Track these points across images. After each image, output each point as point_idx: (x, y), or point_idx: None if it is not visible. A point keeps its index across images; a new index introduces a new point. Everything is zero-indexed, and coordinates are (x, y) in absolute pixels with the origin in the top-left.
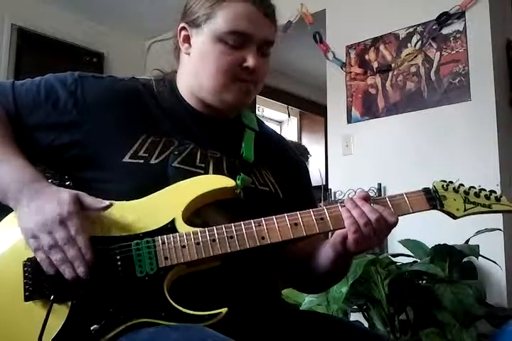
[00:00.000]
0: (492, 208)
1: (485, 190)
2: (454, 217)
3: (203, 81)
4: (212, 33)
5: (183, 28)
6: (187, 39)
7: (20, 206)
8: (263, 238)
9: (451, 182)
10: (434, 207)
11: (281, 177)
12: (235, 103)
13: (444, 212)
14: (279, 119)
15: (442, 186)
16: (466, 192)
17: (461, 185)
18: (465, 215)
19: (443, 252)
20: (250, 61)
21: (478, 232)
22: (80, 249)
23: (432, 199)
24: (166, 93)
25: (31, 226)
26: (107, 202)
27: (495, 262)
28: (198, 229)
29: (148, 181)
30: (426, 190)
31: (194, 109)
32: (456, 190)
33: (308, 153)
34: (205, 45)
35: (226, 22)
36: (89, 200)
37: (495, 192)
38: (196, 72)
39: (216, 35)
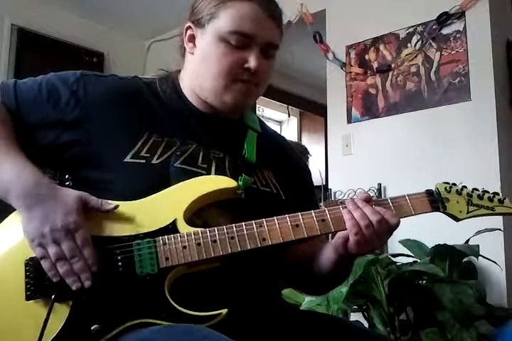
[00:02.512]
0: (495, 210)
1: (488, 192)
2: (457, 220)
3: (205, 81)
4: (215, 33)
5: (189, 28)
6: (192, 38)
7: (23, 208)
8: (264, 239)
9: (454, 184)
10: (436, 210)
11: (283, 178)
12: (235, 104)
13: (446, 214)
14: (279, 119)
15: (445, 188)
16: (469, 195)
17: (464, 187)
18: (468, 217)
19: (443, 252)
20: (252, 62)
21: (478, 232)
22: (86, 262)
23: (435, 201)
24: (169, 92)
25: (37, 235)
26: (113, 204)
27: (495, 262)
28: (199, 230)
29: (149, 181)
30: (428, 192)
31: (197, 108)
32: (459, 192)
33: (308, 153)
34: (208, 44)
35: (229, 22)
36: (95, 202)
37: (498, 194)
38: (198, 72)
39: (219, 35)
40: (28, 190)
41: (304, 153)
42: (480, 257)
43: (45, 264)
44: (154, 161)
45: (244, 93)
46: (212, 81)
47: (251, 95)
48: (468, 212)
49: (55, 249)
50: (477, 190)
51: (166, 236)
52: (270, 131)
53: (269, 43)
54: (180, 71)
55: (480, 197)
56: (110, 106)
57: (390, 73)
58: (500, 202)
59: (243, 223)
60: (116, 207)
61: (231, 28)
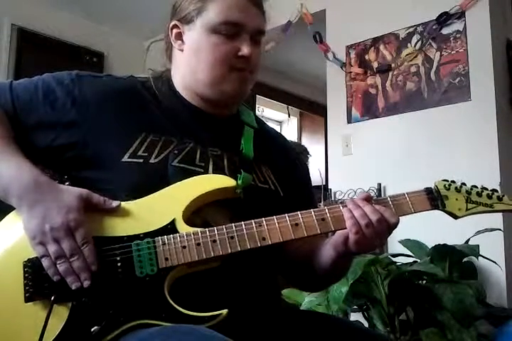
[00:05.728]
0: (494, 207)
1: (487, 189)
2: (456, 217)
3: (200, 74)
4: (205, 26)
5: (175, 26)
6: (179, 36)
7: (24, 206)
8: (264, 239)
9: (453, 181)
10: (436, 207)
11: (280, 174)
12: (234, 92)
13: (445, 212)
14: (279, 119)
15: (444, 186)
16: (468, 192)
17: (463, 184)
18: (467, 215)
19: (443, 252)
20: (245, 50)
21: (478, 232)
22: (85, 260)
23: (434, 199)
24: (164, 91)
25: (37, 233)
26: (116, 203)
27: (495, 262)
28: (198, 230)
29: (147, 181)
30: (428, 190)
31: (193, 106)
32: (458, 190)
33: (308, 153)
34: (199, 38)
35: (218, 13)
36: (97, 200)
37: (497, 191)
38: (192, 67)
39: (209, 27)
40: (28, 188)
41: (304, 153)
42: (480, 257)
43: (45, 263)
44: (152, 160)
45: (241, 81)
46: (207, 72)
47: (247, 82)
48: (467, 210)
49: (55, 247)
50: (476, 187)
51: (165, 237)
52: (267, 127)
53: (257, 30)
54: (170, 71)
55: (479, 195)
56: (106, 106)
57: (390, 73)
58: (499, 199)
59: (242, 222)
60: (119, 205)
61: (221, 19)
